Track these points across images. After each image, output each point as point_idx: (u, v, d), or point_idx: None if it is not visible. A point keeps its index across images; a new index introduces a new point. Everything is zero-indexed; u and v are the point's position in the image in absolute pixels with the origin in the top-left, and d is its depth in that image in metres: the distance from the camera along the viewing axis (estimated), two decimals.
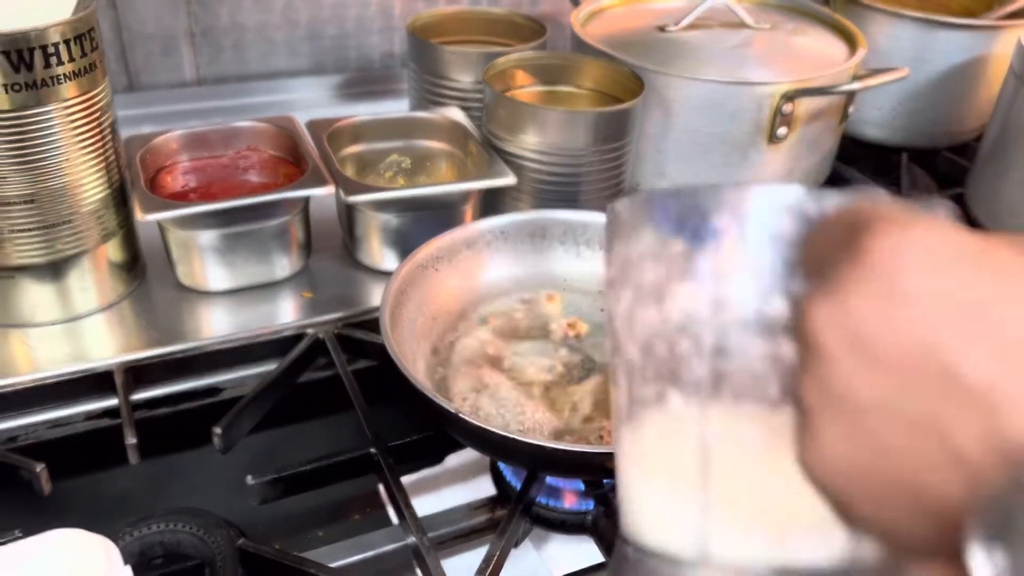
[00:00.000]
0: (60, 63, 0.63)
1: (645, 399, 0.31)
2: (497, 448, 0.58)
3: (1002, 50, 0.98)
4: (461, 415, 0.54)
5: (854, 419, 0.25)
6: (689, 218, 0.30)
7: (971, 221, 0.92)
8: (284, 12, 1.04)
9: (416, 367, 0.63)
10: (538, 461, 0.58)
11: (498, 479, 0.69)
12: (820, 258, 0.27)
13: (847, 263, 0.25)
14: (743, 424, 0.29)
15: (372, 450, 0.63)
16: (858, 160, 1.08)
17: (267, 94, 1.07)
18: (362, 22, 1.08)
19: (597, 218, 0.75)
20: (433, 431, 0.65)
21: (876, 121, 1.06)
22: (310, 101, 1.08)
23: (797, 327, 0.27)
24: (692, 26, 0.92)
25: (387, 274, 0.76)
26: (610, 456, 0.53)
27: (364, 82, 1.11)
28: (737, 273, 0.29)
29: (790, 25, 0.97)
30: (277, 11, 1.03)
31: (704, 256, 0.29)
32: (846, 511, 0.27)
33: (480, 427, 0.53)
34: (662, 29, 0.92)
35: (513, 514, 0.59)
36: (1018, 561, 0.21)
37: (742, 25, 0.93)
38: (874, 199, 0.27)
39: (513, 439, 0.53)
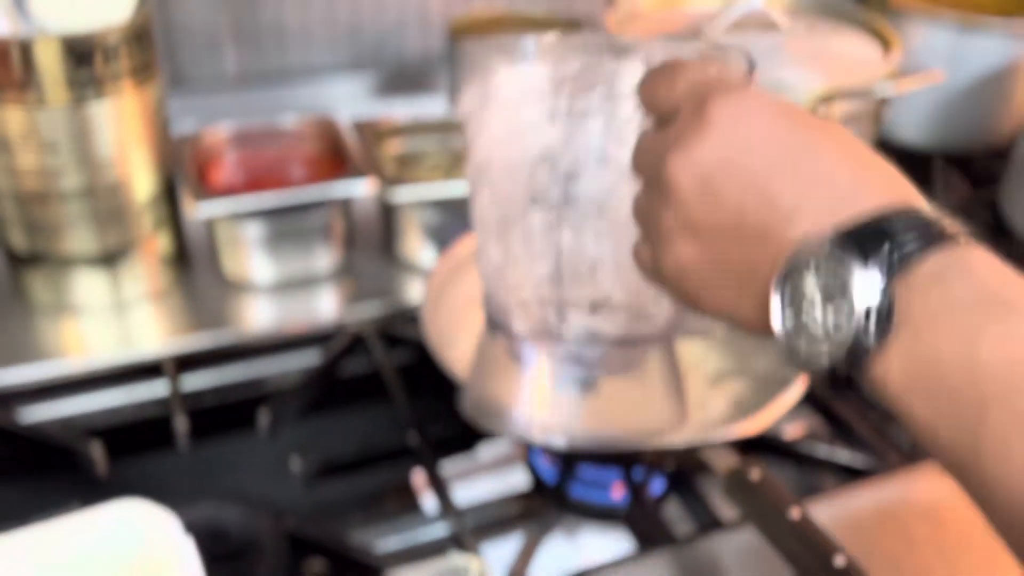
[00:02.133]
0: (119, 61, 0.66)
1: (511, 216, 0.39)
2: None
3: None
4: None
5: (703, 239, 0.34)
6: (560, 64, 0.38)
7: (1004, 227, 0.92)
8: (325, 10, 1.06)
9: (458, 363, 0.65)
10: (573, 450, 0.59)
11: (533, 468, 0.71)
12: (663, 108, 0.36)
13: (696, 123, 0.34)
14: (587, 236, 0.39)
15: (411, 441, 0.65)
16: (894, 165, 1.08)
17: (307, 89, 1.09)
18: (400, 20, 1.10)
19: None
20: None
21: (911, 125, 1.06)
22: (349, 97, 1.10)
23: (650, 168, 0.36)
24: (727, 29, 0.93)
25: (426, 271, 0.78)
26: (657, 452, 0.55)
27: (401, 78, 1.12)
28: (591, 117, 0.38)
29: (825, 27, 0.97)
30: (318, 9, 1.05)
31: (562, 100, 0.37)
32: (694, 303, 0.36)
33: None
34: (698, 32, 0.93)
35: (549, 502, 0.61)
36: (798, 320, 0.31)
37: (776, 28, 0.94)
38: (709, 64, 0.37)
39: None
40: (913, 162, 1.09)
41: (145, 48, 0.68)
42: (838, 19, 1.00)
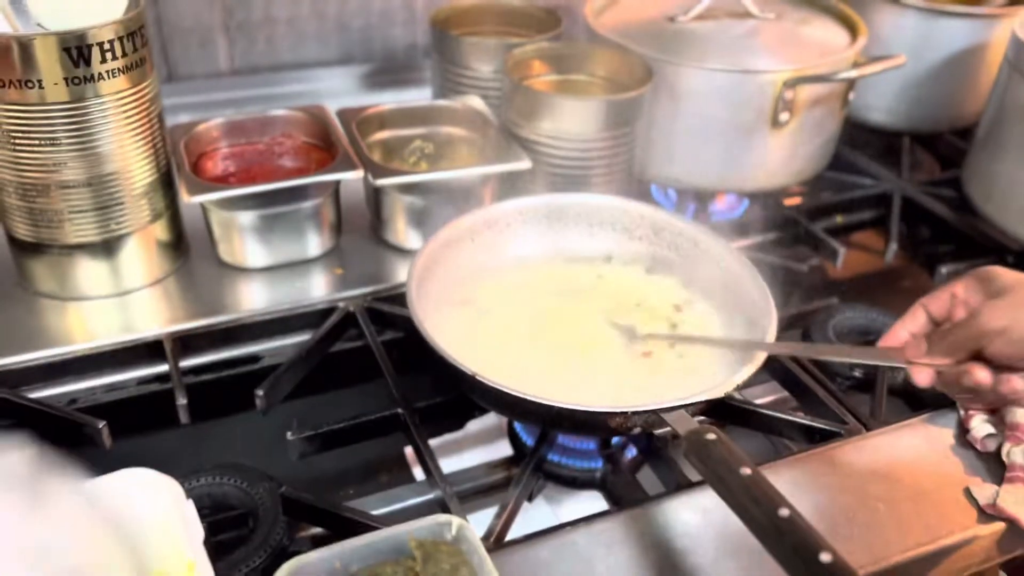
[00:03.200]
0: (114, 58, 0.69)
1: None
2: (510, 407, 0.63)
3: (1001, 37, 1.01)
4: (477, 377, 0.59)
5: None
6: None
7: (967, 202, 0.96)
8: (313, 5, 1.09)
9: (440, 336, 0.68)
10: (548, 419, 0.63)
11: (515, 440, 0.75)
12: None
13: None
14: None
15: (400, 411, 0.68)
16: (864, 144, 1.12)
17: (298, 83, 1.13)
18: (387, 15, 1.13)
19: (610, 200, 0.80)
20: (455, 394, 0.70)
21: (880, 107, 1.10)
22: (338, 89, 1.14)
23: None
24: (701, 16, 0.97)
25: (412, 252, 0.81)
26: (616, 415, 0.59)
27: (389, 71, 1.16)
28: None
29: (795, 14, 1.01)
30: (307, 5, 1.09)
31: None
32: None
33: (494, 387, 0.59)
34: (672, 19, 0.97)
35: (526, 468, 0.64)
36: None
37: (748, 15, 0.97)
38: None
39: (524, 398, 0.58)
40: (883, 142, 1.13)
41: (139, 44, 0.71)
42: (809, 6, 1.04)
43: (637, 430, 0.59)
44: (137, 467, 0.53)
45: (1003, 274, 0.59)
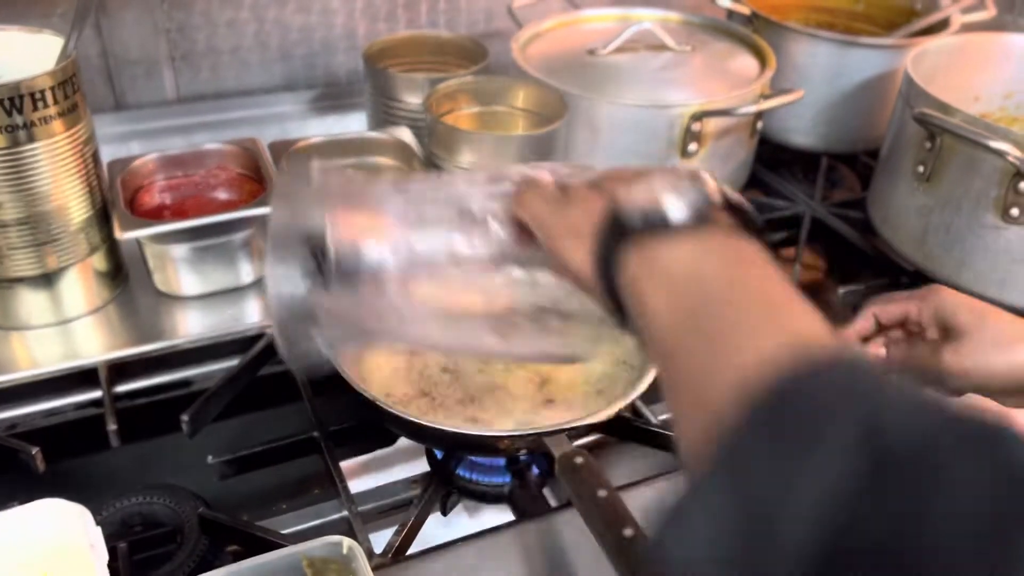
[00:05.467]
0: (47, 106, 0.74)
1: None
2: (412, 432, 0.69)
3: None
4: (379, 403, 0.65)
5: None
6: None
7: (870, 225, 1.02)
8: (256, 36, 1.14)
9: (353, 365, 0.74)
10: (447, 443, 0.68)
11: (431, 457, 0.80)
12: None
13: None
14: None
15: (315, 433, 0.74)
16: (784, 163, 1.18)
17: (243, 109, 1.17)
18: (328, 43, 1.18)
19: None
20: (369, 418, 0.76)
21: (799, 129, 1.16)
22: (283, 115, 1.19)
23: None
24: (620, 49, 1.02)
25: None
26: (503, 438, 0.64)
27: (331, 97, 1.21)
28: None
29: (711, 46, 1.06)
30: (249, 35, 1.14)
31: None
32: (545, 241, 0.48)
33: (395, 413, 0.64)
34: (592, 52, 1.02)
35: (428, 487, 0.70)
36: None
37: (665, 48, 1.03)
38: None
39: (421, 424, 0.64)
40: (803, 162, 1.19)
41: (70, 92, 0.76)
42: (725, 37, 1.09)
43: (523, 452, 0.65)
44: (67, 493, 0.58)
45: (960, 309, 0.60)
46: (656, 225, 0.40)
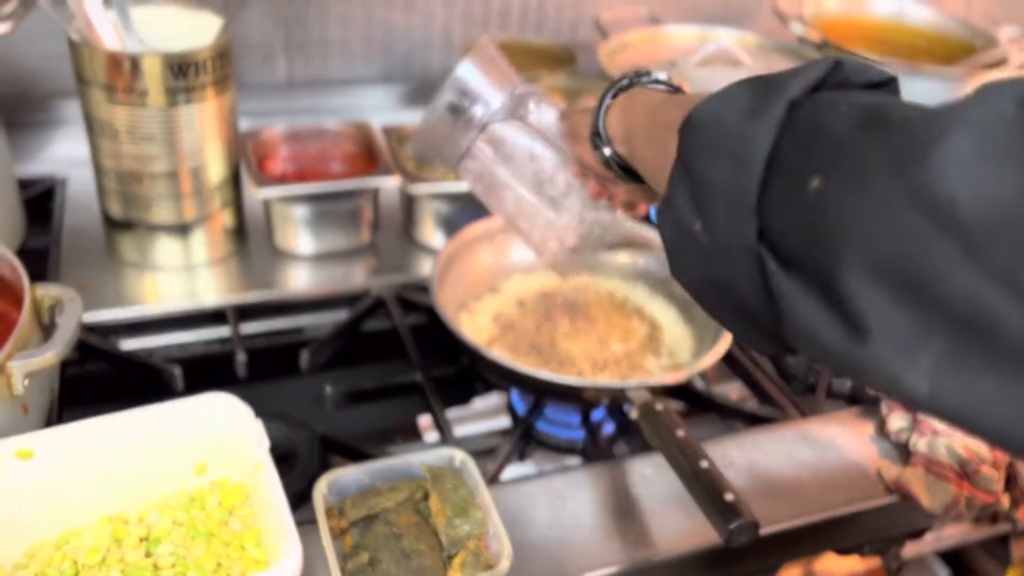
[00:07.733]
0: (206, 74, 0.85)
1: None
2: (506, 377, 0.78)
3: None
4: (479, 350, 0.74)
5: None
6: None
7: None
8: (364, 30, 1.25)
9: (455, 319, 0.83)
10: (536, 389, 0.78)
11: (513, 413, 0.89)
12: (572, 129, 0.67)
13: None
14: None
15: (418, 377, 0.83)
16: None
17: (344, 97, 1.28)
18: (426, 41, 1.29)
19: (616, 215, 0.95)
20: (465, 367, 0.85)
21: None
22: (380, 105, 1.29)
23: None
24: (701, 63, 1.11)
25: (436, 250, 0.96)
26: (588, 389, 0.73)
27: (424, 90, 1.31)
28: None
29: (782, 67, 1.15)
30: (358, 29, 1.24)
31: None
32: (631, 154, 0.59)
33: (494, 360, 0.74)
34: (673, 65, 1.11)
35: (517, 429, 0.79)
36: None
37: (741, 65, 1.12)
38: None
39: (515, 370, 0.73)
40: None
41: (225, 64, 0.87)
42: (797, 61, 1.18)
43: (606, 401, 0.74)
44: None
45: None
46: (624, 87, 0.60)
